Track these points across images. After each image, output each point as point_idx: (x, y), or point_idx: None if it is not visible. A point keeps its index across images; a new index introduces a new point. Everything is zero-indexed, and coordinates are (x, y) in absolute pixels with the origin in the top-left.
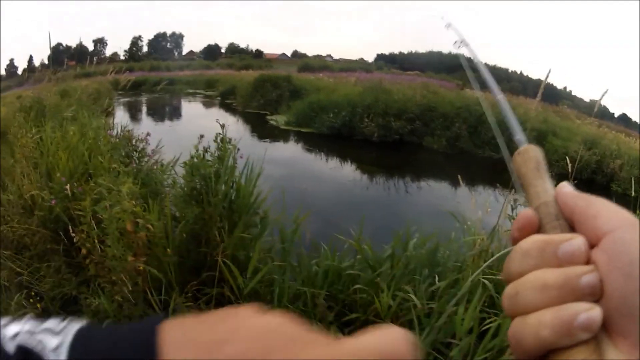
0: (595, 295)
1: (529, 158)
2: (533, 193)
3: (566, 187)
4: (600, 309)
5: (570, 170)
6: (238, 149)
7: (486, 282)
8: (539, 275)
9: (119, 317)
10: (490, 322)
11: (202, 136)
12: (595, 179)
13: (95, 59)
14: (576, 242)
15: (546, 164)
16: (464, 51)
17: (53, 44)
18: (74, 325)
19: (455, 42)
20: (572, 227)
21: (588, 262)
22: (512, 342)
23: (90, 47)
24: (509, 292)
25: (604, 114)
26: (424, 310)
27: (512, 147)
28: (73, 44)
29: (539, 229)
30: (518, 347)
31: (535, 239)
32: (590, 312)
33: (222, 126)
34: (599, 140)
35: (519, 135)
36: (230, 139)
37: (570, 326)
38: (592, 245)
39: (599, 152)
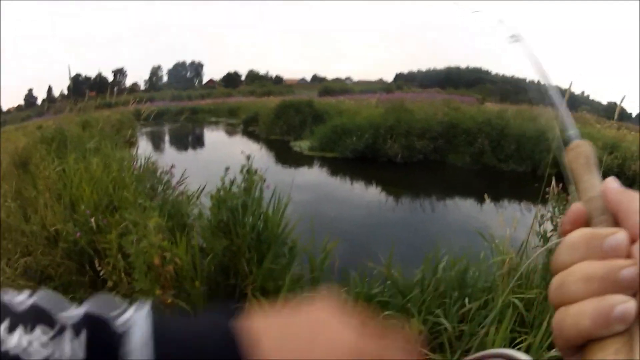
0: (634, 288)
1: (580, 153)
2: (582, 188)
3: (612, 182)
4: (635, 302)
5: None
6: (264, 180)
7: (516, 301)
8: (584, 267)
9: None
10: (521, 342)
11: (228, 168)
12: None
13: (115, 89)
14: (619, 235)
15: (595, 160)
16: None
17: (72, 74)
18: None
19: (510, 37)
20: (616, 222)
21: (629, 256)
22: (555, 330)
23: (110, 78)
24: (555, 282)
25: (622, 115)
26: (454, 333)
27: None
28: (92, 74)
29: (587, 222)
30: (560, 336)
31: (582, 232)
32: (626, 305)
33: (248, 157)
34: (620, 143)
35: (572, 130)
36: (256, 170)
37: (608, 317)
38: (633, 240)
39: (620, 155)
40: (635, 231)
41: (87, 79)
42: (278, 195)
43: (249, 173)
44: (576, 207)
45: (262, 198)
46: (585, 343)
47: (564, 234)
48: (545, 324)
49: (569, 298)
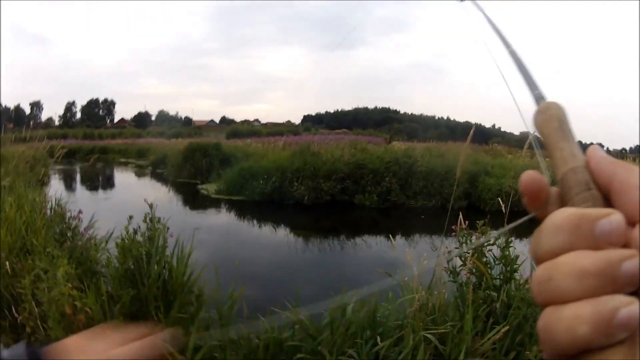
0: (634, 285)
1: (551, 116)
2: (559, 158)
3: (599, 150)
4: (638, 303)
5: (504, 205)
6: (168, 228)
7: (429, 336)
8: (575, 258)
9: None
10: None
11: (131, 217)
12: None
13: (32, 123)
14: (615, 218)
15: (570, 125)
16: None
17: None
18: None
19: None
20: (607, 200)
21: (627, 244)
22: (543, 335)
23: (27, 110)
24: (540, 276)
25: (536, 144)
26: None
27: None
28: (11, 104)
29: (562, 198)
30: (549, 342)
31: (568, 213)
32: (630, 308)
33: (151, 206)
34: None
35: (537, 91)
36: (159, 218)
37: (609, 324)
38: (631, 223)
39: None
40: (634, 211)
41: (7, 109)
42: (182, 244)
43: (152, 221)
44: (532, 175)
45: (165, 246)
46: (579, 353)
47: (531, 208)
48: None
49: (560, 297)
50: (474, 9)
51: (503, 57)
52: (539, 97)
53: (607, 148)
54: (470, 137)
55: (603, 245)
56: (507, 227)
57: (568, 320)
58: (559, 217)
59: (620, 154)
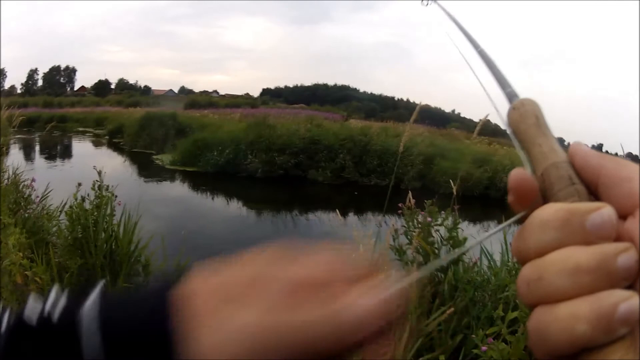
0: (630, 279)
1: (527, 112)
2: (538, 153)
3: (583, 145)
4: (637, 297)
5: (456, 188)
6: (115, 196)
7: None
8: (568, 254)
9: None
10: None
11: (80, 184)
12: (489, 194)
13: None
14: (606, 211)
15: (547, 121)
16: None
17: None
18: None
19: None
20: (593, 194)
21: (619, 237)
22: (536, 337)
23: None
24: (529, 275)
25: (496, 132)
26: None
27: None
28: None
29: (543, 195)
30: (543, 344)
31: (556, 208)
32: (630, 302)
33: (100, 173)
34: (490, 157)
35: (510, 88)
36: (108, 186)
37: (610, 320)
38: (622, 216)
39: (491, 168)
40: (624, 204)
41: None
42: (129, 213)
43: (100, 189)
44: (522, 173)
45: (113, 215)
46: (578, 352)
47: (515, 207)
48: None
49: (552, 296)
50: (441, 10)
51: (472, 54)
52: (511, 95)
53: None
54: (415, 115)
55: (595, 240)
56: (497, 228)
57: (564, 319)
58: (547, 213)
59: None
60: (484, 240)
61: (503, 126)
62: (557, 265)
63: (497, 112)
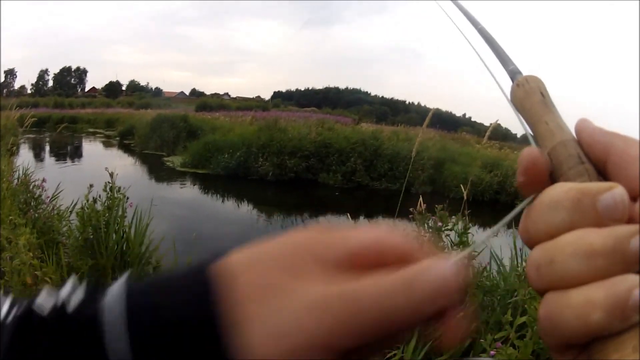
0: None
1: (532, 89)
2: (545, 131)
3: (590, 122)
4: None
5: (466, 192)
6: (127, 198)
7: None
8: (582, 236)
9: None
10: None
11: (91, 186)
12: (499, 199)
13: (5, 91)
14: (618, 192)
15: (552, 99)
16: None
17: None
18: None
19: None
20: (603, 174)
21: (631, 219)
22: (547, 324)
23: (2, 78)
24: (539, 258)
25: (506, 136)
26: None
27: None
28: None
29: (552, 175)
30: (554, 332)
31: (567, 187)
32: None
33: (111, 174)
34: (501, 162)
35: (512, 66)
36: (119, 188)
37: (625, 306)
38: (633, 197)
39: (501, 173)
40: (635, 185)
41: None
42: (140, 215)
43: (112, 190)
44: (534, 152)
45: (124, 217)
46: (590, 340)
47: (523, 190)
48: (414, 339)
49: (564, 281)
50: None
51: (476, 37)
52: (514, 72)
53: None
54: (428, 120)
55: (606, 221)
56: (506, 218)
57: (579, 306)
58: (557, 193)
59: None
60: (502, 225)
61: (507, 104)
62: (570, 247)
63: (501, 90)
